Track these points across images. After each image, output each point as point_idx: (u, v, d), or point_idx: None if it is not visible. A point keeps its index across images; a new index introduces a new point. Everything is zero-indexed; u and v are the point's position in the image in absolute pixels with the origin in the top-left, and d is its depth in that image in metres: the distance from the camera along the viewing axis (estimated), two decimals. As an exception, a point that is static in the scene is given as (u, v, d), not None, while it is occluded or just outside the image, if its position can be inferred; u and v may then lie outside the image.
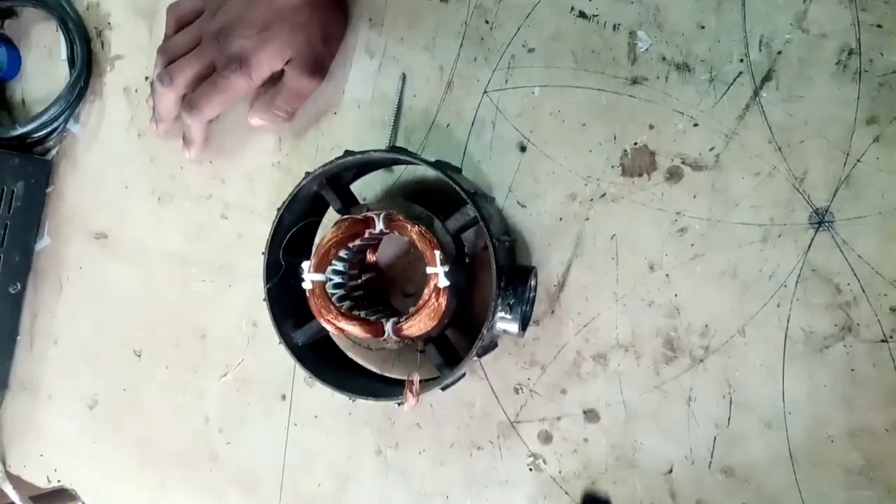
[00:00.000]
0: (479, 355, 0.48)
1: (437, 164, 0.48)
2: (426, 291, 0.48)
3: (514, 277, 0.48)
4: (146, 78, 0.66)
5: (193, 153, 0.62)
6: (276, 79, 0.58)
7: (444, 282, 0.47)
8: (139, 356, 0.66)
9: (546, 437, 0.52)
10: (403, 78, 0.57)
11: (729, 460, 0.47)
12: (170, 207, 0.65)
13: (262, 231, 0.59)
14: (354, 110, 0.58)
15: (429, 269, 0.47)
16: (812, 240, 0.46)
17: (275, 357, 0.60)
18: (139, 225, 0.66)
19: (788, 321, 0.46)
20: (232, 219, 0.63)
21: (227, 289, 0.63)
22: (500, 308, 0.47)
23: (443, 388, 0.48)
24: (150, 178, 0.66)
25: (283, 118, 0.59)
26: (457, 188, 0.46)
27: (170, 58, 0.59)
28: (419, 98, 0.56)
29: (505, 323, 0.47)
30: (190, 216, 0.64)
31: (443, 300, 0.47)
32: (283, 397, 0.60)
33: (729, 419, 0.47)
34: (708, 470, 0.48)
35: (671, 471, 0.49)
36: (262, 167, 0.62)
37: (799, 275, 0.46)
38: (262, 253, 0.52)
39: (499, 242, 0.47)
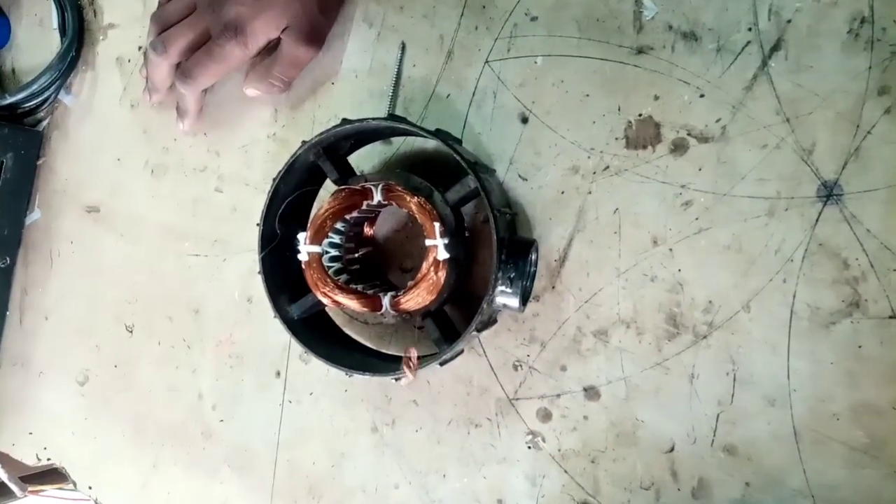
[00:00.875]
0: (479, 330, 0.47)
1: (437, 133, 0.46)
2: (425, 264, 0.47)
3: (515, 251, 0.47)
4: (139, 48, 0.65)
5: (187, 125, 0.61)
6: (272, 48, 0.56)
7: (443, 254, 0.46)
8: (131, 332, 0.65)
9: (545, 415, 0.51)
10: (403, 47, 0.55)
11: (731, 438, 0.46)
12: (163, 180, 0.64)
13: (257, 204, 0.58)
14: (352, 80, 0.57)
15: (428, 242, 0.46)
16: (819, 213, 0.45)
17: (269, 332, 0.59)
18: (132, 198, 0.65)
19: (794, 297, 0.45)
20: (226, 192, 0.61)
21: (222, 263, 0.61)
22: (500, 282, 0.46)
23: (441, 364, 0.47)
24: (143, 150, 0.65)
25: (280, 88, 0.58)
26: (457, 157, 0.45)
27: (163, 26, 0.58)
28: (419, 68, 0.55)
29: (505, 297, 0.46)
30: (184, 189, 0.63)
31: (442, 273, 0.46)
32: (278, 374, 0.59)
33: (732, 396, 0.46)
34: (710, 448, 0.47)
35: (672, 449, 0.48)
36: (257, 139, 0.60)
37: (806, 249, 0.45)
38: (257, 224, 0.50)
39: (499, 214, 0.46)
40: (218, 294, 0.61)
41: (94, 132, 0.67)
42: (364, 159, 0.56)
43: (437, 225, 0.46)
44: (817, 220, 0.45)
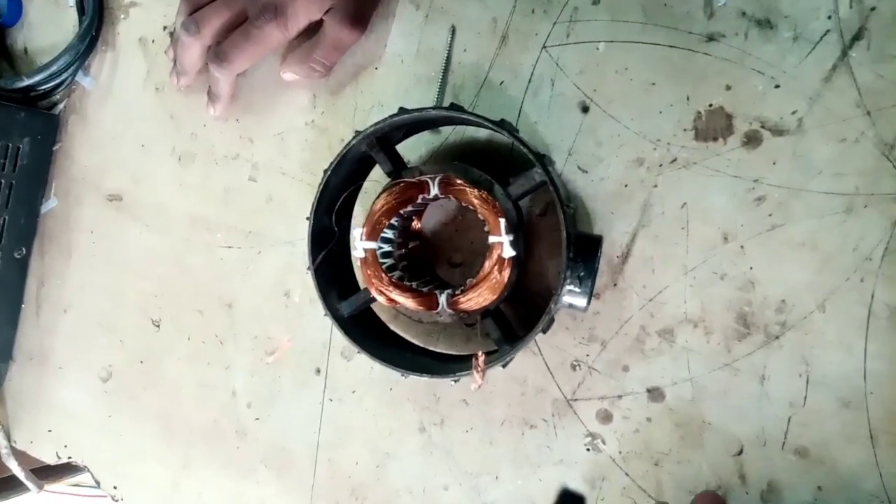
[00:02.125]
0: (543, 331, 0.45)
1: (501, 124, 0.44)
2: (488, 262, 0.44)
3: (583, 248, 0.45)
4: (164, 28, 0.61)
5: (219, 110, 0.58)
6: (312, 30, 0.53)
7: (508, 252, 0.43)
8: (158, 326, 0.62)
9: (605, 416, 0.49)
10: (453, 31, 0.53)
11: (803, 441, 0.45)
12: (192, 168, 0.61)
13: (293, 194, 0.56)
14: (397, 66, 0.54)
15: (491, 238, 0.44)
16: (901, 211, 0.43)
17: (308, 328, 0.57)
18: (158, 186, 0.62)
19: (872, 296, 0.44)
20: (261, 181, 0.59)
21: (256, 256, 0.59)
22: (568, 280, 0.44)
23: (504, 366, 0.45)
24: (169, 136, 0.61)
25: (320, 73, 0.55)
26: (525, 149, 0.43)
27: (196, 5, 0.54)
28: (469, 53, 0.52)
29: (573, 297, 0.44)
30: (214, 178, 0.60)
31: (506, 272, 0.44)
32: (318, 371, 0.57)
33: (805, 398, 0.45)
34: (781, 451, 0.46)
35: (741, 451, 0.46)
36: (294, 126, 0.57)
37: (885, 248, 0.43)
38: (307, 218, 0.48)
39: (568, 209, 0.44)
40: (253, 288, 0.59)
41: (115, 117, 0.63)
42: (411, 149, 0.53)
43: (502, 221, 0.44)
44: (898, 218, 0.43)
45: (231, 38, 0.53)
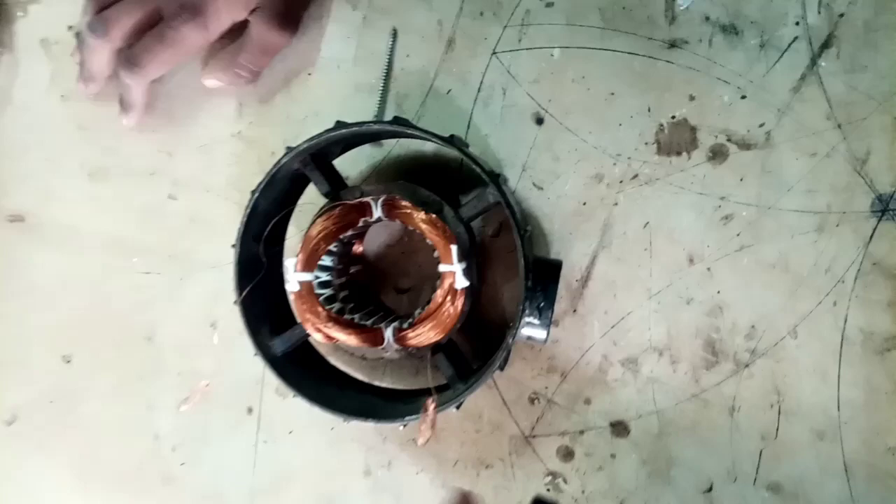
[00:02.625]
0: (501, 368, 0.41)
1: (451, 141, 0.39)
2: (439, 293, 0.40)
3: (542, 275, 0.41)
4: (70, 27, 0.55)
5: (133, 120, 0.52)
6: (236, 31, 0.48)
7: (461, 282, 0.39)
8: (69, 362, 0.55)
9: (566, 453, 0.46)
10: (394, 34, 0.48)
11: (776, 475, 0.42)
12: (105, 185, 0.54)
13: (219, 214, 0.51)
14: (334, 71, 0.49)
15: (442, 267, 0.40)
16: (874, 229, 0.41)
17: (240, 363, 0.51)
18: (66, 205, 0.55)
19: (846, 321, 0.41)
20: (183, 199, 0.53)
21: (179, 282, 0.53)
22: (527, 312, 0.40)
23: (457, 407, 0.41)
24: (78, 149, 0.55)
25: (246, 79, 0.49)
26: (478, 169, 0.39)
27: (103, 3, 0.48)
28: (413, 58, 0.48)
29: (532, 329, 0.41)
30: (130, 195, 0.54)
31: (459, 304, 0.40)
32: (250, 410, 0.51)
33: (777, 430, 0.42)
34: (752, 486, 0.43)
35: (711, 488, 0.43)
36: (219, 138, 0.52)
37: (859, 269, 0.41)
38: (232, 245, 0.42)
39: (525, 233, 0.40)
40: (176, 318, 0.53)
41: (14, 128, 0.56)
42: (350, 163, 0.48)
43: (453, 248, 0.39)
44: (871, 237, 0.41)
45: (144, 41, 0.47)
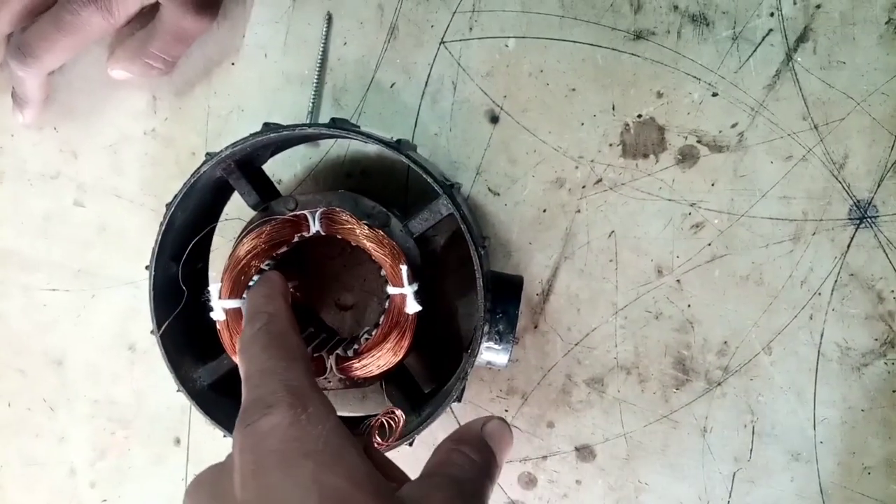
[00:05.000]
0: (458, 399, 0.37)
1: (398, 146, 0.35)
2: (386, 319, 0.36)
3: (501, 293, 0.37)
4: (-53, 6, 0.47)
5: (28, 116, 0.45)
6: (146, 14, 0.41)
7: (413, 307, 0.35)
8: (-35, 391, 0.49)
9: (529, 480, 0.42)
10: (329, 18, 0.42)
11: (750, 499, 0.40)
12: (-2, 190, 0.47)
13: (133, 222, 0.45)
14: (260, 61, 0.44)
15: (391, 290, 0.35)
16: (852, 238, 0.38)
17: (163, 389, 0.46)
18: (-48, 214, 0.48)
19: (822, 336, 0.39)
20: (90, 206, 0.46)
21: (90, 300, 0.47)
22: (486, 336, 0.36)
23: (410, 444, 0.37)
24: (-37, 149, 0.47)
25: (159, 70, 0.43)
26: (429, 179, 0.34)
27: (-16, -22, 0.41)
28: (351, 47, 0.42)
29: (492, 354, 0.37)
30: (29, 202, 0.47)
31: (410, 330, 0.36)
32: (178, 441, 0.46)
33: (751, 452, 0.40)
34: (725, 511, 0.40)
35: (681, 514, 0.41)
36: (129, 136, 0.45)
37: (836, 280, 0.38)
38: (146, 267, 0.37)
39: (483, 250, 0.35)
40: (88, 340, 0.47)
41: None
42: (283, 166, 0.43)
43: (403, 269, 0.35)
44: (849, 247, 0.38)
45: (37, 26, 0.40)
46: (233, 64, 0.44)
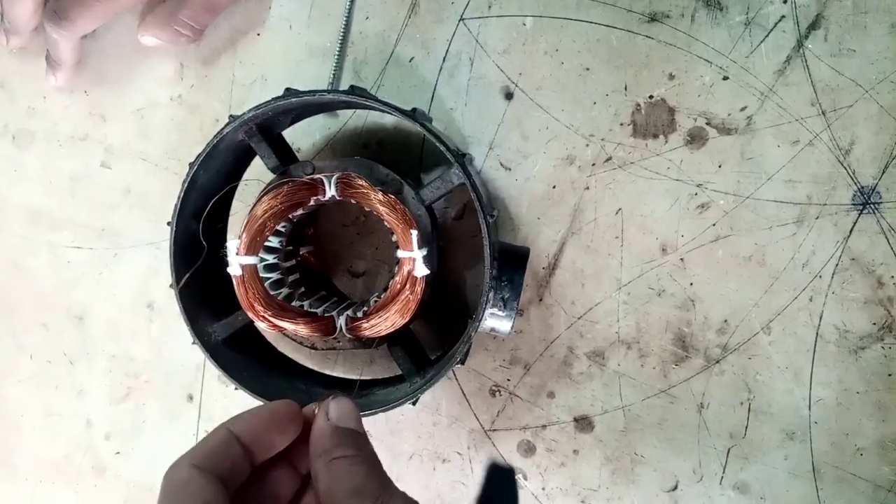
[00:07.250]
0: (462, 361, 0.38)
1: (413, 115, 0.36)
2: (397, 280, 0.37)
3: (508, 263, 0.38)
4: (-12, -29, 0.49)
5: (61, 79, 0.47)
6: (177, -17, 0.43)
7: (421, 270, 0.36)
8: (-10, 342, 0.51)
9: (528, 448, 0.43)
10: (353, -6, 0.44)
11: (743, 475, 0.41)
12: (29, 150, 0.49)
13: (157, 185, 0.47)
14: (285, 32, 0.45)
15: (401, 253, 0.36)
16: (854, 223, 0.39)
17: (179, 347, 0.48)
18: (-15, 172, 0.50)
19: (821, 318, 0.40)
20: (116, 168, 0.48)
21: (112, 259, 0.49)
22: (490, 303, 0.37)
23: (413, 403, 0.38)
24: (0, 109, 0.49)
25: (187, 38, 0.45)
26: (442, 148, 0.35)
27: (24, -56, 0.43)
28: (373, 21, 0.44)
29: (496, 320, 0.38)
30: (58, 163, 0.49)
31: (418, 292, 0.37)
32: (191, 398, 0.48)
33: (746, 429, 0.41)
34: (719, 486, 0.41)
35: (676, 487, 0.42)
36: (156, 102, 0.47)
37: (837, 264, 0.39)
38: (168, 223, 0.38)
39: (491, 219, 0.37)
40: (109, 298, 0.49)
41: (-74, 82, 0.50)
42: (302, 134, 0.45)
43: (413, 233, 0.36)
44: (851, 231, 0.39)
45: (72, -9, 0.42)
46: (258, 35, 0.46)
